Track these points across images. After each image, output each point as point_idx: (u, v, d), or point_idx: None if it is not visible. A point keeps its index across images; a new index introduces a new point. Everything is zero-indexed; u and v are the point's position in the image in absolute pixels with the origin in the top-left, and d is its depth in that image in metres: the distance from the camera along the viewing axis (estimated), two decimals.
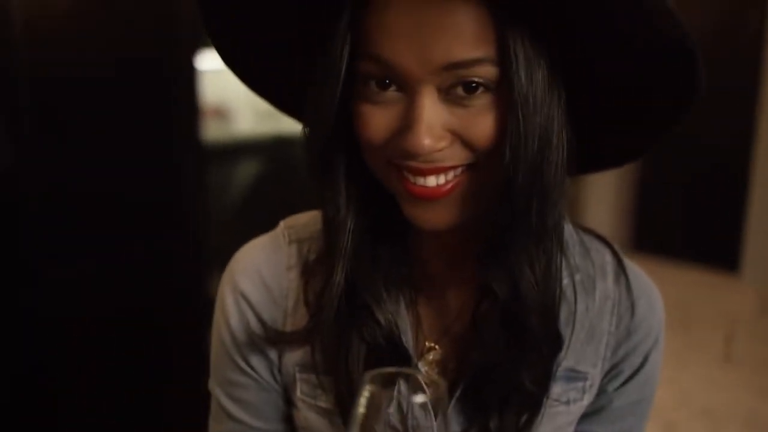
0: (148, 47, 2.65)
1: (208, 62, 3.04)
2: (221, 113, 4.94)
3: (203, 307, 2.92)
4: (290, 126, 4.11)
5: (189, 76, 2.80)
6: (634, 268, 0.90)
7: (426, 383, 0.58)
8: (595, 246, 0.89)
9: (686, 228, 3.97)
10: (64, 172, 2.46)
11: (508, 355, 0.79)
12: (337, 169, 0.79)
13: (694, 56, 0.67)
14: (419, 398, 0.58)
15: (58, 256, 2.48)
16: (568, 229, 0.86)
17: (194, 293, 2.94)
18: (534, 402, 0.81)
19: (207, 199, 3.09)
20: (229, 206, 4.72)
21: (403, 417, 0.60)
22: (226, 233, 3.95)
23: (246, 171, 5.01)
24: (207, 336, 0.97)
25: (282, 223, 0.96)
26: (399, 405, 0.60)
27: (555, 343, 0.80)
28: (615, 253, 0.89)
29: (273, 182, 4.98)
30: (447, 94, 0.70)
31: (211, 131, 4.14)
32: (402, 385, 0.59)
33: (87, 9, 2.43)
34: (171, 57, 2.72)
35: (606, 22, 0.67)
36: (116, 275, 2.65)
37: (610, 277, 0.87)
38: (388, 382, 0.58)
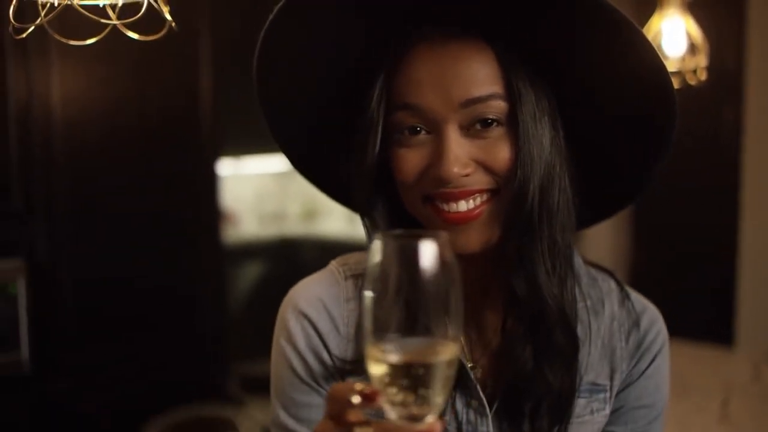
0: (174, 155, 2.89)
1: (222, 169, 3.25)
2: (228, 217, 5.12)
3: (220, 399, 3.05)
4: (292, 228, 4.30)
5: (211, 181, 3.04)
6: (634, 293, 1.03)
7: (430, 236, 0.61)
8: (601, 276, 1.02)
9: (681, 308, 4.10)
10: (97, 268, 2.65)
11: (535, 361, 0.90)
12: (380, 210, 0.93)
13: (669, 90, 0.85)
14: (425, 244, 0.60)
15: (84, 345, 2.62)
16: (578, 262, 0.99)
17: (211, 387, 3.04)
18: (563, 408, 0.91)
19: (225, 298, 3.24)
20: (237, 305, 4.82)
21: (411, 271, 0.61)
22: (235, 332, 4.06)
23: (252, 272, 5.13)
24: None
25: (334, 262, 1.03)
26: (408, 263, 0.61)
27: (574, 344, 0.91)
28: (617, 281, 1.02)
29: (277, 282, 5.09)
30: (468, 130, 0.86)
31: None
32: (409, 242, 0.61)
33: (121, 124, 2.69)
34: (194, 164, 2.97)
35: (595, 61, 0.86)
36: (137, 365, 2.79)
37: (616, 302, 1.00)
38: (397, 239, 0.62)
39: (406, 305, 0.61)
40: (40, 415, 2.49)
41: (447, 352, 0.62)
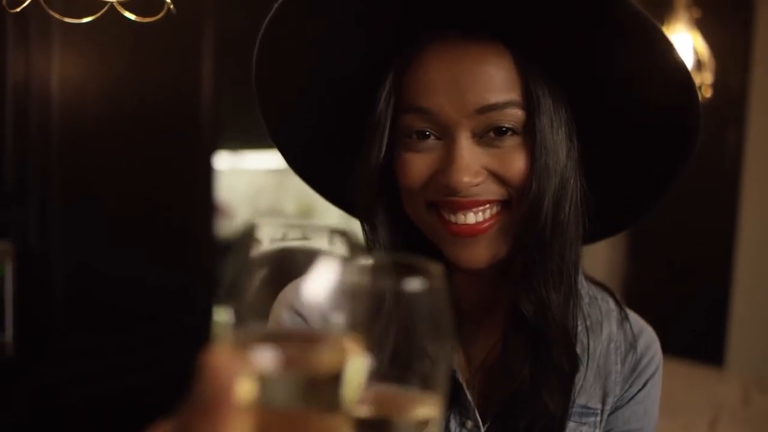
0: (172, 146, 2.87)
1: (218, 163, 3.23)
2: (223, 211, 5.08)
3: None
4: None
5: (207, 174, 3.01)
6: (633, 314, 0.99)
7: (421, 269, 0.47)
8: (600, 295, 0.98)
9: (673, 325, 4.08)
10: (88, 255, 2.62)
11: (533, 381, 0.85)
12: (381, 217, 0.88)
13: (695, 103, 0.79)
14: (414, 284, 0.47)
15: (72, 334, 2.59)
16: (581, 280, 0.94)
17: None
18: (554, 430, 0.86)
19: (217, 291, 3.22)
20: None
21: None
22: None
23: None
24: None
25: None
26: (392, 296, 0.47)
27: (573, 364, 0.87)
28: (617, 301, 0.98)
29: (271, 277, 5.05)
30: (481, 138, 0.80)
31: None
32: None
33: (120, 113, 2.65)
34: (192, 156, 2.95)
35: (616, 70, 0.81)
36: (127, 356, 2.76)
37: (614, 322, 0.96)
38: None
39: (381, 346, 0.48)
40: (23, 401, 2.46)
41: (425, 407, 0.48)
